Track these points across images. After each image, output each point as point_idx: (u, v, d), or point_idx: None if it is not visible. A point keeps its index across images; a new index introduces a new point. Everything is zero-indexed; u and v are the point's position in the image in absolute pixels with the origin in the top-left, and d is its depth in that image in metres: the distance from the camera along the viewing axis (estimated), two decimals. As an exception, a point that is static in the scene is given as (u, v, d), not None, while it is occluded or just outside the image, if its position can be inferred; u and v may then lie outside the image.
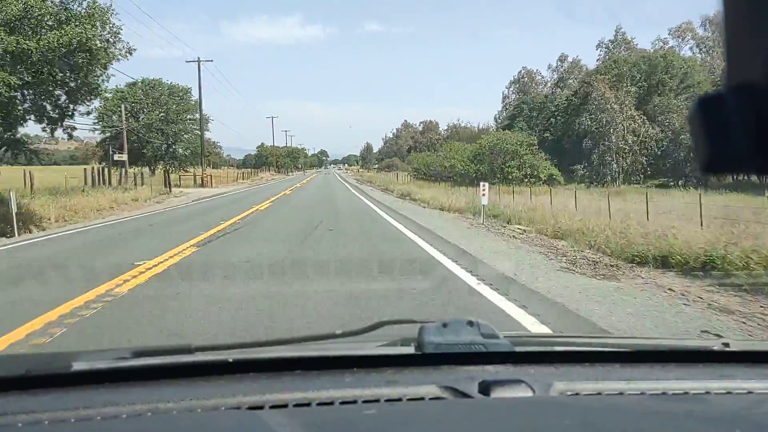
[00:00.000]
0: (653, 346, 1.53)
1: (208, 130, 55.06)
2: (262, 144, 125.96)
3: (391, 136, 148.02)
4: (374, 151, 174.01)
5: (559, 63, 74.20)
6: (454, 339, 1.28)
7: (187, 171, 50.50)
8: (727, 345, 1.30)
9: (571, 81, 74.56)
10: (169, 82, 57.02)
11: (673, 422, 1.05)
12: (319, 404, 1.11)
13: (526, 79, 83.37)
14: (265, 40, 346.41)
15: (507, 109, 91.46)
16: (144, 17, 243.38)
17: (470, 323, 1.30)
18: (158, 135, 55.63)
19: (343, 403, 1.12)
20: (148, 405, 1.07)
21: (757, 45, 0.55)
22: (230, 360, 1.24)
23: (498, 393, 1.16)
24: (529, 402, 1.16)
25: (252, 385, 1.19)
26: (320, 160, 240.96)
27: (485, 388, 1.17)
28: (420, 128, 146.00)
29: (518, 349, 1.28)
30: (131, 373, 1.19)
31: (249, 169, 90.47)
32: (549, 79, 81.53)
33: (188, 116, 54.38)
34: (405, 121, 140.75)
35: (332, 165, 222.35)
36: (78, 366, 1.20)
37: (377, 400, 1.13)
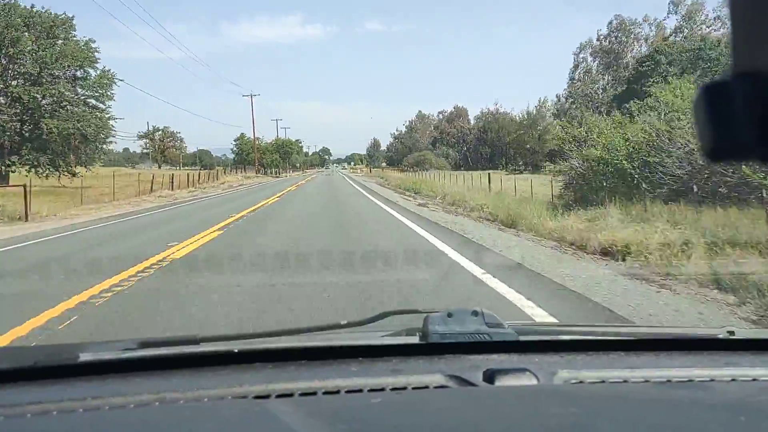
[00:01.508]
0: (657, 335, 1.58)
1: (111, 99, 33.82)
2: (242, 136, 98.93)
3: (404, 129, 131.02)
4: (382, 148, 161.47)
5: (671, 6, 33.53)
6: (458, 328, 1.32)
7: (69, 174, 30.54)
8: (731, 333, 1.40)
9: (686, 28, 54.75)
10: (31, 7, 21.45)
11: (678, 410, 1.09)
12: (325, 393, 1.14)
13: (617, 34, 42.60)
14: (266, 39, 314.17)
15: (581, 81, 51.02)
16: (141, 19, 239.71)
17: (475, 313, 1.34)
18: (12, 106, 30.66)
19: (348, 392, 1.15)
20: (155, 395, 1.12)
21: (763, 32, 0.53)
22: (236, 350, 1.31)
23: (503, 381, 1.18)
24: (533, 390, 1.18)
25: (258, 374, 1.23)
26: (322, 159, 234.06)
27: (490, 376, 1.20)
28: (440, 117, 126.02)
29: (522, 338, 1.36)
30: (138, 363, 1.27)
31: (218, 168, 77.26)
32: (647, 34, 54.73)
33: (71, 70, 30.65)
34: (419, 111, 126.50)
35: (335, 164, 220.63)
36: (85, 357, 1.26)
37: (383, 389, 1.16)
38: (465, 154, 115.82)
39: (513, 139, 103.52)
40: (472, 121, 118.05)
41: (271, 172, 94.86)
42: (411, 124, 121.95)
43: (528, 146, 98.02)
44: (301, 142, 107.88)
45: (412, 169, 72.13)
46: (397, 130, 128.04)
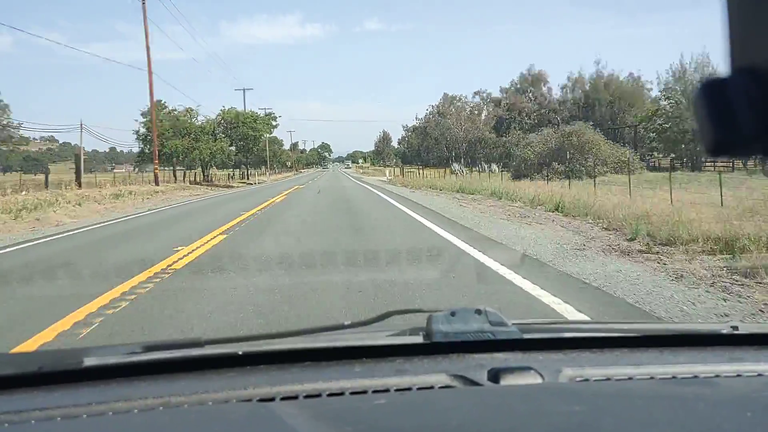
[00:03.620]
0: (662, 331, 1.66)
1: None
2: (159, 106, 47.87)
3: (423, 118, 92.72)
4: (392, 143, 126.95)
5: None
6: (462, 327, 1.37)
7: None
8: (735, 328, 1.47)
9: None
10: None
11: (683, 406, 1.15)
12: (329, 395, 1.20)
13: None
14: (265, 39, 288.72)
15: None
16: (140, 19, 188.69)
17: (478, 311, 1.40)
18: None
19: (353, 393, 1.21)
20: (160, 399, 1.17)
21: (760, 27, 0.55)
22: (240, 353, 1.37)
23: (507, 380, 1.24)
24: (538, 388, 1.24)
25: (262, 377, 1.31)
26: (321, 156, 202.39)
27: (494, 375, 1.25)
28: (497, 96, 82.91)
29: (527, 336, 1.43)
30: (142, 367, 1.35)
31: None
32: None
33: None
34: (445, 94, 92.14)
35: (336, 162, 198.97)
36: (89, 362, 1.31)
37: (387, 390, 1.22)
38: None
39: (647, 115, 54.04)
40: (556, 92, 71.09)
41: (237, 175, 50.44)
42: (438, 108, 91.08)
43: (690, 131, 51.54)
44: (275, 117, 68.07)
45: (543, 173, 25.52)
46: (417, 118, 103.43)
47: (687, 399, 1.15)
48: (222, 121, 55.18)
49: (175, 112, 48.55)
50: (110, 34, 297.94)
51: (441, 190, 29.93)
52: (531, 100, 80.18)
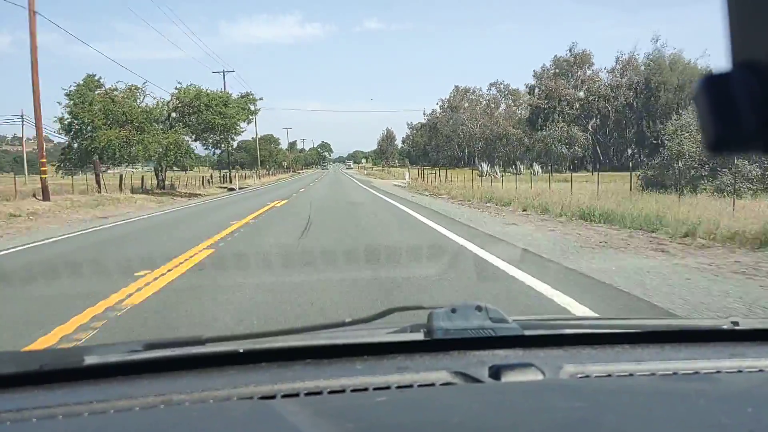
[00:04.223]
0: (663, 327, 1.66)
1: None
2: (94, 81, 32.95)
3: (431, 114, 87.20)
4: (396, 142, 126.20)
5: None
6: (463, 324, 1.40)
7: None
8: (736, 324, 1.51)
9: None
10: None
11: (685, 402, 1.18)
12: (330, 392, 1.24)
13: None
14: (265, 39, 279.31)
15: None
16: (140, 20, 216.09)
17: (479, 308, 1.43)
18: None
19: (354, 390, 1.24)
20: (161, 397, 1.21)
21: (760, 21, 0.54)
22: (241, 350, 1.41)
23: (508, 377, 1.27)
24: (539, 385, 1.27)
25: (263, 374, 1.35)
26: (321, 156, 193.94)
27: (495, 372, 1.29)
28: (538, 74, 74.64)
29: (527, 332, 1.46)
30: (143, 365, 1.39)
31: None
32: None
33: None
34: (456, 87, 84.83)
35: (336, 162, 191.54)
36: (90, 360, 1.35)
37: (388, 387, 1.25)
38: (597, 139, 56.46)
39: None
40: (604, 77, 57.38)
41: (217, 179, 57.99)
42: (447, 103, 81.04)
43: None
44: (254, 100, 42.97)
45: (722, 180, 11.12)
46: (425, 114, 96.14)
47: (688, 395, 1.16)
48: (179, 105, 38.04)
49: (115, 92, 33.84)
50: (110, 34, 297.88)
51: (525, 210, 16.06)
52: (575, 85, 67.24)
